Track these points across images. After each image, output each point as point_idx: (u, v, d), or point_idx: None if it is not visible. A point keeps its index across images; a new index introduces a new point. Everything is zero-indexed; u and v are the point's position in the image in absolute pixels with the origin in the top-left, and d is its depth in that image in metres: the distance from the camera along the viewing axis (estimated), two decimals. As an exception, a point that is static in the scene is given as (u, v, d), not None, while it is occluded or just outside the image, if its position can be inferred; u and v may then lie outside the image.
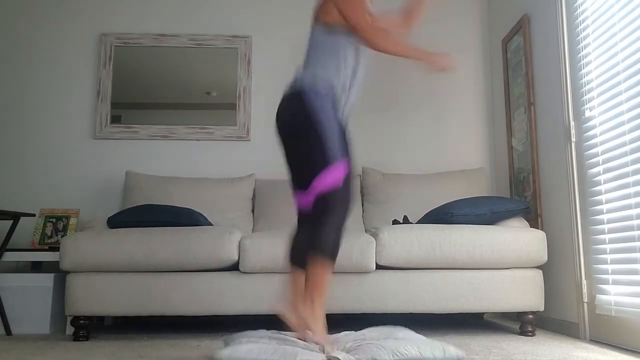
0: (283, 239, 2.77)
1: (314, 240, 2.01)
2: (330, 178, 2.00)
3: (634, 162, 2.44)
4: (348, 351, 2.07)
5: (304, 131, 2.06)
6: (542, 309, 2.99)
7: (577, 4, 2.94)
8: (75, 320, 2.94)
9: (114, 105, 4.10)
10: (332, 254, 2.01)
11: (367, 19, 2.08)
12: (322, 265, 2.00)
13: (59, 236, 3.70)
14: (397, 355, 1.94)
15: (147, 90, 4.14)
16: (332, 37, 2.14)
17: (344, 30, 2.13)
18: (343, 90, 2.16)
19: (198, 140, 4.10)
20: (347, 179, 2.05)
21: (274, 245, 2.92)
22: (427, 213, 3.30)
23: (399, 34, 2.38)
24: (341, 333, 2.45)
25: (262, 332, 2.42)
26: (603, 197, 2.67)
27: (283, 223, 3.45)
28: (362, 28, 2.08)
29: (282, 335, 2.30)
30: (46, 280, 3.30)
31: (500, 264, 2.96)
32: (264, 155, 3.99)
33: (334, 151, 2.02)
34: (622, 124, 2.53)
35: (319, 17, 2.19)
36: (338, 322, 3.05)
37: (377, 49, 2.12)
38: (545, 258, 3.00)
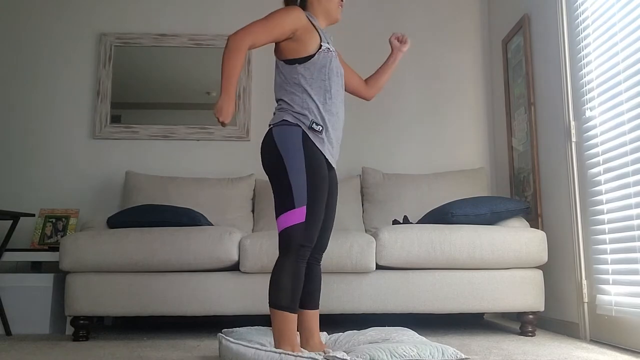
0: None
1: (269, 290, 2.05)
2: (285, 222, 2.05)
3: (635, 162, 2.43)
4: (347, 352, 2.07)
5: (272, 171, 2.12)
6: (542, 309, 2.99)
7: (578, 3, 2.94)
8: (75, 320, 2.94)
9: (114, 105, 4.10)
10: (282, 305, 2.01)
11: (246, 38, 2.09)
12: (276, 314, 2.02)
13: (59, 236, 3.70)
14: (395, 356, 1.93)
15: (147, 90, 4.14)
16: (290, 68, 2.19)
17: (299, 60, 2.18)
18: (320, 112, 2.16)
19: (198, 140, 4.10)
20: (302, 226, 2.04)
21: (274, 245, 2.91)
22: (427, 213, 3.30)
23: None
24: (345, 332, 2.45)
25: (262, 329, 2.44)
26: (603, 197, 2.67)
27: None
28: (236, 33, 2.10)
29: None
30: (46, 280, 3.30)
31: (501, 264, 2.96)
32: (263, 155, 3.99)
33: (296, 197, 2.05)
34: (622, 123, 2.53)
35: (276, 56, 2.26)
36: (338, 322, 3.05)
37: (228, 47, 2.09)
38: (546, 258, 2.99)
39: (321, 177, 2.11)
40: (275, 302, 2.01)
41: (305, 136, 2.11)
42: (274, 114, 2.22)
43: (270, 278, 2.05)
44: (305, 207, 2.05)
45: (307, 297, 2.23)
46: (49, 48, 4.15)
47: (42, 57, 4.14)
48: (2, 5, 4.17)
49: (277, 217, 2.08)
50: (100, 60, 4.13)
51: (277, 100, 2.23)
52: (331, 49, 2.23)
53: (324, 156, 2.14)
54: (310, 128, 2.11)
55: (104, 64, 4.12)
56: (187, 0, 4.26)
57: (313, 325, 2.24)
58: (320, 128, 2.12)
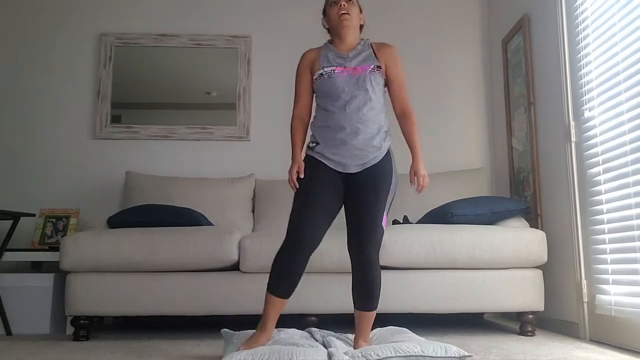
0: (283, 239, 2.77)
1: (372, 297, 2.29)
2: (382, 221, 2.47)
3: (634, 162, 2.44)
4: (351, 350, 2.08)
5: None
6: (542, 309, 2.99)
7: (577, 4, 2.94)
8: (75, 320, 2.94)
9: (114, 105, 4.10)
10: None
11: (293, 114, 2.43)
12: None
13: (59, 236, 3.70)
14: (399, 352, 1.94)
15: (147, 90, 4.15)
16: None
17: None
18: (329, 129, 2.37)
19: (198, 140, 4.10)
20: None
21: (274, 245, 2.90)
22: (427, 213, 3.30)
23: None
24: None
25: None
26: (603, 197, 2.67)
27: (283, 223, 3.44)
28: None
29: (276, 332, 2.31)
30: (46, 280, 3.30)
31: (500, 264, 2.96)
32: (264, 155, 3.99)
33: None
34: (621, 124, 2.54)
35: None
36: (338, 322, 3.05)
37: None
38: (545, 258, 3.00)
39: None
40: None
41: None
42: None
43: (372, 283, 2.25)
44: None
45: None
46: (50, 48, 4.15)
47: (42, 58, 4.14)
48: (2, 6, 4.18)
49: (379, 221, 2.36)
50: (101, 61, 4.13)
51: None
52: (326, 71, 2.34)
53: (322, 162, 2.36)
54: (308, 147, 2.37)
55: (105, 64, 4.12)
56: (187, 0, 4.26)
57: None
58: (314, 145, 2.37)
